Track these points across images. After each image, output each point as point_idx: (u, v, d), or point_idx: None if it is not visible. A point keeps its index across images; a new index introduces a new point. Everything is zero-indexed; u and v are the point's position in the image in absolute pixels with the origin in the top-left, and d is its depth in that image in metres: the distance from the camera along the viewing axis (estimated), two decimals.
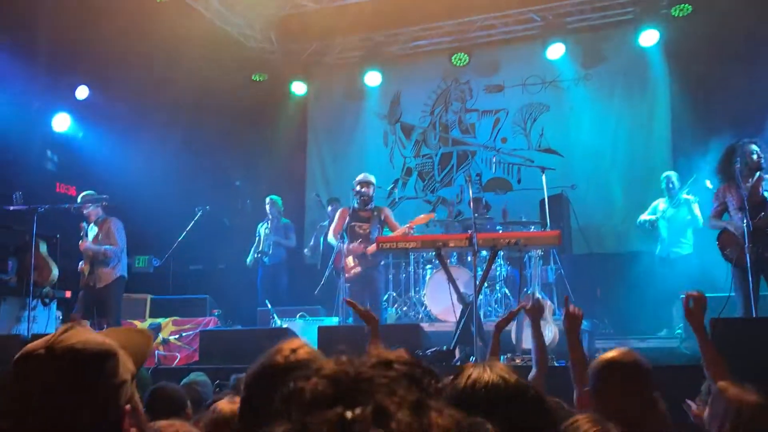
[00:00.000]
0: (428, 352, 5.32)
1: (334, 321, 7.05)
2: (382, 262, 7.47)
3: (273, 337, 1.55)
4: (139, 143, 8.98)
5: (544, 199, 7.34)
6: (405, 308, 8.08)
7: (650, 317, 7.40)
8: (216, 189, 9.90)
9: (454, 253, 7.59)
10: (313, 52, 10.42)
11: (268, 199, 8.72)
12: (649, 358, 2.34)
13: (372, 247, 6.73)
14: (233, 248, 9.37)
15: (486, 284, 6.94)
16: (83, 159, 9.05)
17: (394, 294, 8.30)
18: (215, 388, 4.07)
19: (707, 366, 2.65)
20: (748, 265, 5.33)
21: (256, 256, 8.57)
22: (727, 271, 5.68)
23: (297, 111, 10.84)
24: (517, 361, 5.23)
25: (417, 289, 8.06)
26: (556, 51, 9.17)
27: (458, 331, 5.48)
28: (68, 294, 7.71)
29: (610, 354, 2.29)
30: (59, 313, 7.71)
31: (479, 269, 5.75)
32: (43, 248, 7.48)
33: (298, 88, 10.44)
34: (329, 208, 8.94)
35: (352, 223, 7.00)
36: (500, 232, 7.02)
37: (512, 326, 6.15)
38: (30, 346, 1.17)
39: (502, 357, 5.28)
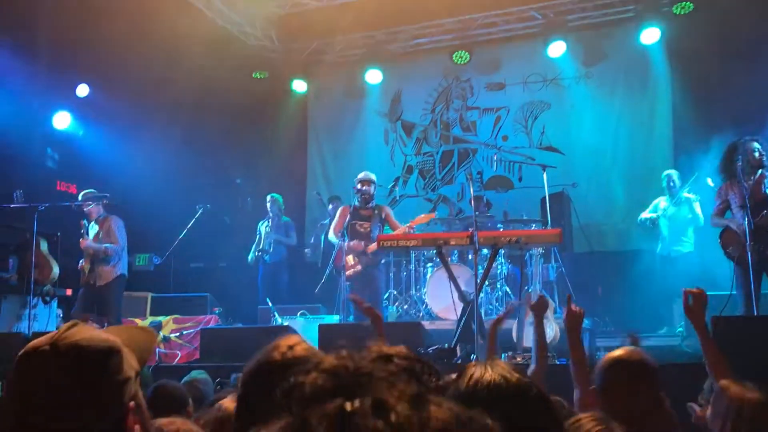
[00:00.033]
0: (430, 349, 5.33)
1: (334, 319, 7.05)
2: (383, 261, 7.47)
3: (274, 335, 1.54)
4: (139, 141, 8.98)
5: (545, 197, 7.34)
6: (406, 306, 8.08)
7: (651, 315, 7.39)
8: (217, 187, 9.90)
9: (455, 251, 7.59)
10: (314, 50, 10.41)
11: (268, 197, 8.72)
12: None
13: (372, 246, 6.73)
14: (234, 246, 9.37)
15: (487, 282, 6.93)
16: (84, 157, 9.05)
17: (395, 292, 8.30)
18: (216, 386, 4.08)
19: (709, 364, 2.64)
20: (750, 263, 5.32)
21: (256, 254, 8.57)
22: (729, 269, 5.68)
23: (298, 109, 10.84)
24: (518, 359, 5.23)
25: (418, 287, 8.06)
26: (557, 49, 9.16)
27: (459, 329, 5.48)
28: (69, 292, 7.72)
29: (617, 352, 2.29)
30: (60, 311, 7.71)
31: (480, 267, 5.75)
32: (44, 246, 7.48)
33: (299, 86, 10.44)
34: (330, 207, 8.94)
35: (353, 222, 7.00)
36: (501, 230, 7.02)
37: (513, 324, 6.15)
38: (34, 342, 1.17)
39: (503, 355, 5.29)
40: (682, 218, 7.38)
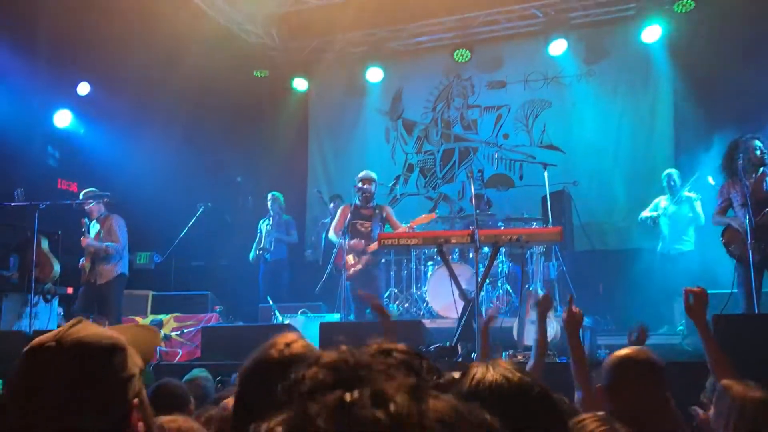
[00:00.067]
0: (431, 348, 5.33)
1: (335, 317, 7.05)
2: (383, 260, 7.48)
3: (274, 333, 1.54)
4: (140, 139, 8.98)
5: (546, 195, 7.33)
6: (407, 305, 8.09)
7: (651, 314, 7.37)
8: (217, 185, 9.90)
9: (456, 250, 7.60)
10: (315, 48, 10.41)
11: (269, 196, 8.72)
12: None
13: (373, 245, 6.73)
14: (235, 245, 9.37)
15: (488, 281, 6.94)
16: (85, 155, 9.06)
17: (396, 290, 8.30)
18: (217, 384, 4.08)
19: (711, 364, 2.64)
20: (751, 261, 5.32)
21: (257, 252, 8.58)
22: (729, 267, 5.67)
23: (298, 107, 10.83)
24: (519, 357, 5.23)
25: (419, 285, 8.07)
26: (558, 47, 9.14)
27: (460, 328, 5.49)
28: (70, 290, 7.72)
29: (625, 351, 2.29)
30: (61, 310, 7.72)
31: (481, 266, 5.75)
32: (45, 244, 7.48)
33: (300, 84, 10.44)
34: (331, 205, 8.94)
35: (354, 221, 7.00)
36: (502, 228, 7.02)
37: (514, 323, 6.16)
38: (39, 339, 1.17)
39: (503, 353, 5.29)
40: (682, 217, 7.37)
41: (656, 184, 7.84)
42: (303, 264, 9.45)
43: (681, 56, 8.78)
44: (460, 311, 5.77)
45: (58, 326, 1.22)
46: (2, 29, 7.76)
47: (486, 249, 6.67)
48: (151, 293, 8.26)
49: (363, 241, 6.94)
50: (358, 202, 7.09)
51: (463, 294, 5.75)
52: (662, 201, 7.56)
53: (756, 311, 5.28)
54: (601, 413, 1.74)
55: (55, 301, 7.63)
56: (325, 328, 5.75)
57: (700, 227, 7.29)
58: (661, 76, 9.08)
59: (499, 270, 7.61)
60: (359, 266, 6.93)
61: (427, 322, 6.87)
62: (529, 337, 5.57)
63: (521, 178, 9.70)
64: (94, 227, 7.20)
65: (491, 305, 7.44)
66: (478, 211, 6.30)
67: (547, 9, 9.30)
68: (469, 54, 9.78)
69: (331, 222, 7.80)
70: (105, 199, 7.22)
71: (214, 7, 9.13)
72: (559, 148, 9.56)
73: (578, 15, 9.32)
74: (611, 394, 2.17)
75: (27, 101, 8.48)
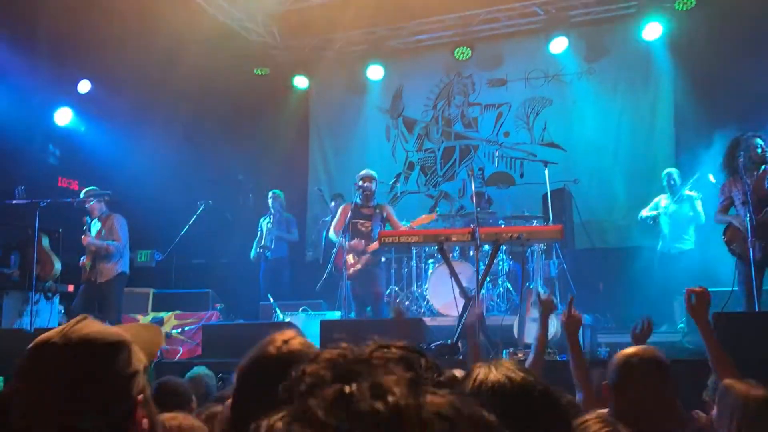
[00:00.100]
0: (432, 345, 5.34)
1: (336, 315, 7.05)
2: (383, 259, 7.47)
3: (275, 331, 1.53)
4: (141, 137, 8.98)
5: (546, 193, 7.33)
6: (407, 303, 8.09)
7: (652, 312, 7.30)
8: (218, 183, 9.91)
9: (457, 248, 7.60)
10: (315, 46, 10.40)
11: (270, 194, 8.72)
12: None
13: (373, 245, 6.73)
14: (235, 242, 9.38)
15: (488, 279, 6.94)
16: (85, 153, 9.06)
17: (397, 288, 8.30)
18: (218, 381, 4.09)
19: (713, 363, 2.64)
20: (752, 259, 5.32)
21: (258, 250, 8.58)
22: (730, 265, 5.67)
23: (299, 105, 10.83)
24: (520, 355, 5.23)
25: (419, 283, 8.07)
26: (559, 45, 9.14)
27: (461, 326, 5.49)
28: (71, 288, 7.72)
29: (631, 350, 2.29)
30: (62, 308, 7.72)
31: (481, 264, 5.75)
32: (46, 242, 7.49)
33: (301, 82, 10.44)
34: (332, 204, 8.93)
35: (354, 220, 6.99)
36: (503, 226, 7.02)
37: (515, 321, 6.16)
38: (44, 335, 1.18)
39: (504, 351, 5.30)
40: (683, 216, 7.37)
41: (656, 182, 7.84)
42: (304, 262, 9.46)
43: (682, 54, 8.77)
44: (460, 309, 5.77)
45: (59, 324, 1.22)
46: (3, 27, 7.76)
47: (486, 247, 6.67)
48: (151, 291, 8.27)
49: (363, 241, 6.93)
50: (358, 200, 7.09)
51: (463, 292, 5.76)
52: (662, 200, 7.56)
53: (756, 309, 5.28)
54: (604, 413, 1.75)
55: (56, 299, 7.64)
56: (325, 325, 5.76)
57: (701, 226, 7.29)
58: (661, 74, 9.08)
59: (500, 268, 7.61)
60: (359, 266, 6.92)
61: (428, 320, 6.88)
62: (530, 335, 5.58)
63: (522, 176, 9.70)
64: (95, 225, 7.20)
65: (492, 302, 7.45)
66: (478, 209, 6.29)
67: (548, 7, 9.29)
68: (470, 52, 9.77)
69: (331, 221, 7.80)
70: (106, 198, 7.22)
71: (215, 5, 9.12)
72: (560, 146, 9.56)
73: (579, 13, 9.31)
74: (617, 392, 2.17)
75: (28, 99, 8.48)
